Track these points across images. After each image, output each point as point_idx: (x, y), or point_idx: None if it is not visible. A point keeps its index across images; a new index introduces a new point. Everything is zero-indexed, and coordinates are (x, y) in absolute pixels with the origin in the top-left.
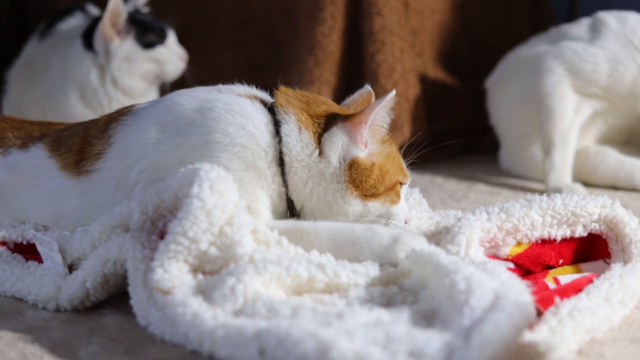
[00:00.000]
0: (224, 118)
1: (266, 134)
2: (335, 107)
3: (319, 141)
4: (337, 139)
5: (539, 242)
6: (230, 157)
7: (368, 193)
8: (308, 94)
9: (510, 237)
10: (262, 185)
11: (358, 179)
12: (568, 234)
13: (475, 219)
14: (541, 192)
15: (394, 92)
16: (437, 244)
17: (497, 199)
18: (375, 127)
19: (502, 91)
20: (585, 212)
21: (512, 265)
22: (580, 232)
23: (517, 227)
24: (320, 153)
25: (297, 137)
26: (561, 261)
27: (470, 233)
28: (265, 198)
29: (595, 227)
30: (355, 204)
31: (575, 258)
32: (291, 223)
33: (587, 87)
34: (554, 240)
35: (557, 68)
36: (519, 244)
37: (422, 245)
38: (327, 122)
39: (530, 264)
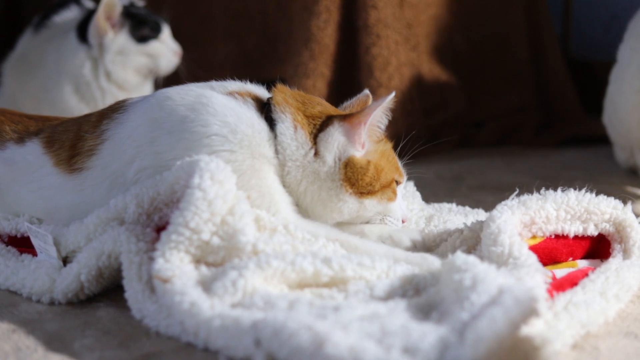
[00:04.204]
0: (220, 112)
1: (264, 127)
2: (330, 108)
3: (314, 141)
4: (333, 139)
5: (553, 237)
6: (233, 147)
7: (364, 190)
8: (304, 94)
9: (526, 229)
10: (274, 172)
11: (354, 177)
12: (580, 230)
13: (506, 216)
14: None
15: (392, 94)
16: (474, 249)
17: (491, 193)
18: (372, 128)
19: None
20: (597, 209)
21: (550, 273)
22: (592, 230)
23: (533, 220)
24: (316, 153)
25: (292, 136)
26: (571, 259)
27: (511, 231)
28: (281, 185)
29: (605, 227)
30: (350, 202)
31: (584, 257)
32: (333, 232)
33: None
34: (567, 236)
35: None
36: (533, 237)
37: None
38: (322, 122)
39: (544, 257)
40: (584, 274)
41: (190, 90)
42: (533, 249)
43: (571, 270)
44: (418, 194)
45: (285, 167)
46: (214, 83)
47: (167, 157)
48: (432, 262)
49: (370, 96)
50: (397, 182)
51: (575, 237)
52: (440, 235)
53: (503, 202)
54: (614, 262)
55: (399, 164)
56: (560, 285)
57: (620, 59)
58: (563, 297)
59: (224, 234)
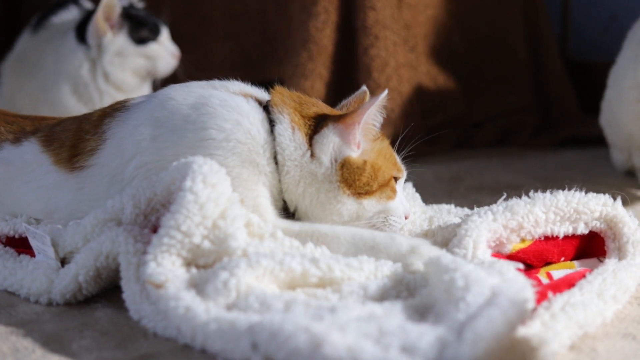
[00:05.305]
0: (219, 114)
1: (262, 130)
2: (324, 109)
3: (310, 143)
4: (327, 141)
5: (542, 239)
6: (225, 153)
7: (362, 191)
8: (301, 95)
9: (514, 234)
10: (264, 182)
11: (350, 178)
12: (570, 231)
13: (481, 221)
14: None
15: (385, 92)
16: (445, 247)
17: (489, 194)
18: (367, 127)
19: None
20: (587, 209)
21: (521, 265)
22: (582, 229)
23: (522, 225)
24: (312, 154)
25: (291, 137)
26: (562, 259)
27: (477, 235)
28: (268, 195)
29: (595, 225)
30: (348, 203)
31: (575, 255)
32: (307, 225)
33: None
34: (557, 237)
35: None
36: (522, 240)
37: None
38: (317, 124)
39: (534, 259)
40: (581, 275)
41: (192, 90)
42: (523, 252)
43: (569, 271)
44: (418, 196)
45: (284, 167)
46: (216, 82)
47: (169, 153)
48: (400, 243)
49: (368, 92)
50: (396, 179)
51: (565, 236)
52: (433, 230)
53: (488, 207)
54: (611, 262)
55: (398, 159)
56: (557, 286)
57: (619, 65)
58: (560, 298)
59: (215, 238)
